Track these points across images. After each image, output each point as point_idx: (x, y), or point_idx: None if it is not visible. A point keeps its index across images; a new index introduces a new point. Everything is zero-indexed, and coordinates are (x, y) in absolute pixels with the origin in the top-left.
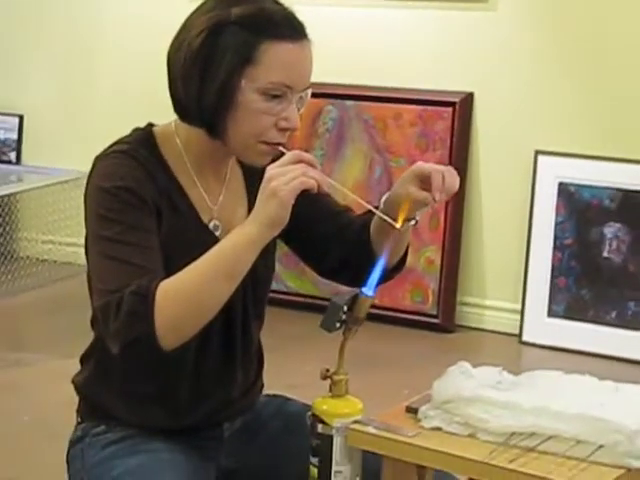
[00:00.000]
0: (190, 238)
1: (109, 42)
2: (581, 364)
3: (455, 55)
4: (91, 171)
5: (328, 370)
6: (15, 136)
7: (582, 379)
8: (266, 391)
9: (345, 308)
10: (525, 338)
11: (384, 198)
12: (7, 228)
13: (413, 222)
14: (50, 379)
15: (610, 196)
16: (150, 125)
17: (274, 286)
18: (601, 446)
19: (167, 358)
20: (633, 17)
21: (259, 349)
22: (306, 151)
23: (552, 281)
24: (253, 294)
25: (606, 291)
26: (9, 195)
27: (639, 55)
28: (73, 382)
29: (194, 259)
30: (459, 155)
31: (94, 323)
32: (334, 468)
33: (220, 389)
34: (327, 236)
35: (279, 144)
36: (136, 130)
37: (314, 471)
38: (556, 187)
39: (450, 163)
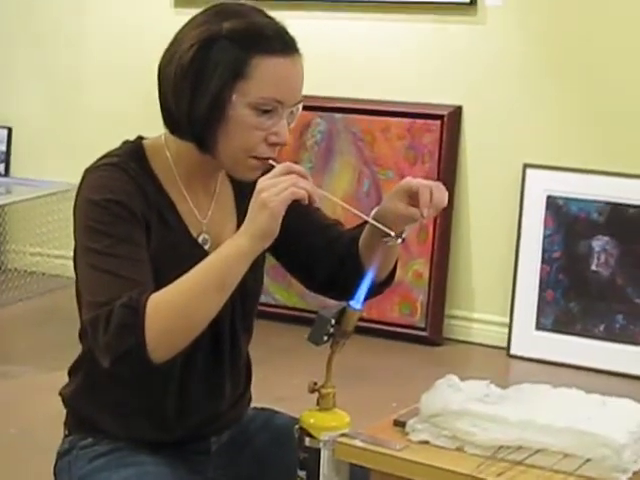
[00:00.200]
0: (179, 252)
1: (97, 55)
2: (569, 377)
3: (444, 68)
4: (81, 183)
5: (316, 383)
6: (4, 148)
7: (569, 392)
8: (254, 403)
9: (333, 321)
10: (513, 351)
11: (372, 213)
12: None
13: (400, 240)
14: (37, 391)
15: (598, 209)
16: (140, 138)
17: (262, 299)
18: (588, 460)
19: (155, 372)
20: (621, 31)
21: (247, 362)
22: (295, 163)
23: (540, 294)
24: (242, 308)
25: (594, 304)
26: None
27: (627, 69)
28: (60, 395)
29: (184, 272)
30: (447, 168)
31: (82, 336)
32: None
33: (208, 402)
34: (316, 249)
35: (269, 158)
36: (126, 143)
37: None
38: (544, 200)
39: (438, 176)
